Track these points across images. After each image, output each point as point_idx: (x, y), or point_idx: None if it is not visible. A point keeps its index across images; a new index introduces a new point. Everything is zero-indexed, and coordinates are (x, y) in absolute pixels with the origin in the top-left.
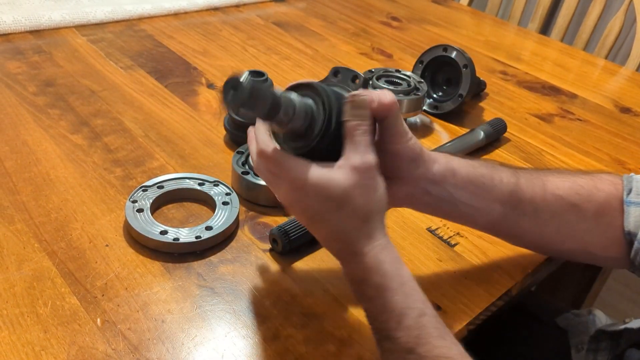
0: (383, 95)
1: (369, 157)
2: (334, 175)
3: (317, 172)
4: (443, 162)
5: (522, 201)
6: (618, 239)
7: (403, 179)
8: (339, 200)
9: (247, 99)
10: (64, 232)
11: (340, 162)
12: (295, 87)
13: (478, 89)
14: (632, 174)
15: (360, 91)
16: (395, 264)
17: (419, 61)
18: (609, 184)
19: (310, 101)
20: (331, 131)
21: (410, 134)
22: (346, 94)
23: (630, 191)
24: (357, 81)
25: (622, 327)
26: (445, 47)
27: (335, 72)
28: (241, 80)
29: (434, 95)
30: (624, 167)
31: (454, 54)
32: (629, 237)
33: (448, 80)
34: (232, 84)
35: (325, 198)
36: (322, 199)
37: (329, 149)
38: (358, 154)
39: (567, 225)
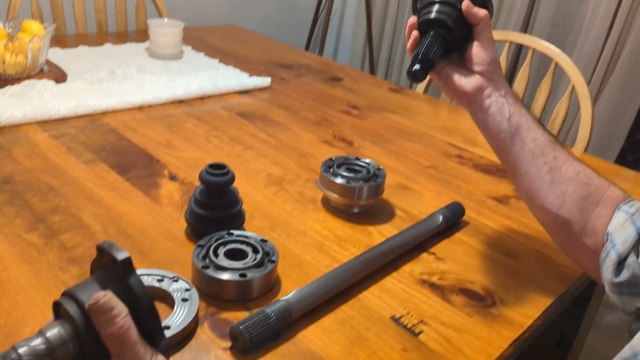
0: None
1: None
2: None
3: None
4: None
5: (549, 154)
6: (601, 235)
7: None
8: None
9: None
10: (13, 338)
11: None
12: (58, 305)
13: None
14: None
15: (99, 294)
16: None
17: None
18: (620, 193)
19: (66, 326)
20: (93, 346)
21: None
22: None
23: (628, 202)
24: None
25: None
26: None
27: (101, 251)
28: None
29: None
30: None
31: None
32: (607, 237)
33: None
34: None
35: None
36: None
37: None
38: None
39: (573, 194)
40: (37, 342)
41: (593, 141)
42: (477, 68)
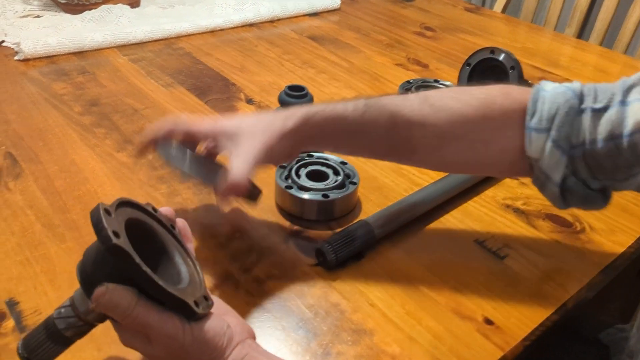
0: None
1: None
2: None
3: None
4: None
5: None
6: (516, 149)
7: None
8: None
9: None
10: None
11: None
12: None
13: None
14: (543, 83)
15: (98, 291)
16: None
17: (466, 64)
18: (513, 99)
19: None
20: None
21: None
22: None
23: (533, 114)
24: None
25: None
26: (493, 50)
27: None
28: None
29: None
30: None
31: (501, 57)
32: (529, 161)
33: (495, 82)
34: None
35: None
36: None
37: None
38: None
39: (459, 115)
40: (67, 311)
41: None
42: None
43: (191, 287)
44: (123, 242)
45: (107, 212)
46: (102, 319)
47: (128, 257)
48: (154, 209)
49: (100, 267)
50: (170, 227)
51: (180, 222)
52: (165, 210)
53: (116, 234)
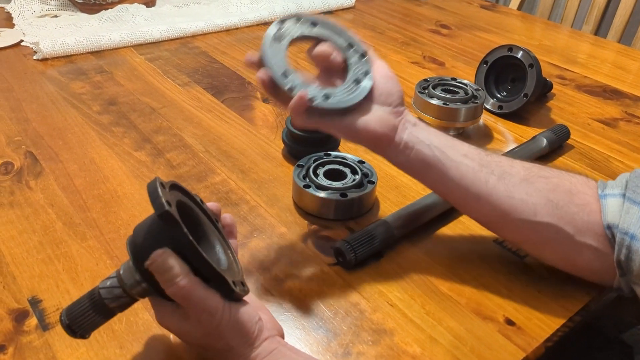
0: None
1: (204, 306)
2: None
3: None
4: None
5: (491, 162)
6: (596, 226)
7: (384, 101)
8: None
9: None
10: None
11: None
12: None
13: (544, 90)
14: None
15: (156, 254)
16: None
17: (484, 61)
18: (581, 176)
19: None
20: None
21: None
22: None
23: (604, 188)
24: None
25: None
26: (511, 47)
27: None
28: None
29: (498, 95)
30: None
31: (519, 54)
32: (610, 232)
33: (513, 80)
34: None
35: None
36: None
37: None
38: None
39: (538, 191)
40: (113, 282)
41: None
42: (383, 102)
43: (229, 272)
44: (175, 211)
45: (162, 185)
46: (145, 294)
47: (177, 225)
48: (202, 201)
49: (153, 238)
50: (214, 220)
51: (229, 218)
52: (212, 205)
53: (169, 203)
